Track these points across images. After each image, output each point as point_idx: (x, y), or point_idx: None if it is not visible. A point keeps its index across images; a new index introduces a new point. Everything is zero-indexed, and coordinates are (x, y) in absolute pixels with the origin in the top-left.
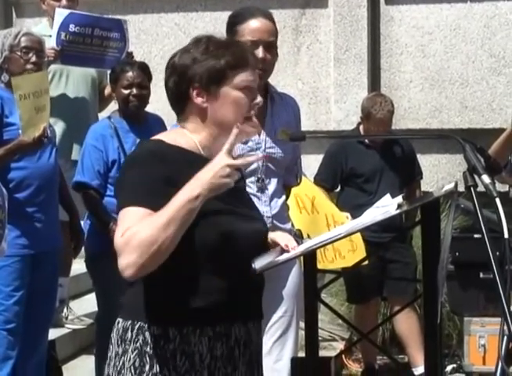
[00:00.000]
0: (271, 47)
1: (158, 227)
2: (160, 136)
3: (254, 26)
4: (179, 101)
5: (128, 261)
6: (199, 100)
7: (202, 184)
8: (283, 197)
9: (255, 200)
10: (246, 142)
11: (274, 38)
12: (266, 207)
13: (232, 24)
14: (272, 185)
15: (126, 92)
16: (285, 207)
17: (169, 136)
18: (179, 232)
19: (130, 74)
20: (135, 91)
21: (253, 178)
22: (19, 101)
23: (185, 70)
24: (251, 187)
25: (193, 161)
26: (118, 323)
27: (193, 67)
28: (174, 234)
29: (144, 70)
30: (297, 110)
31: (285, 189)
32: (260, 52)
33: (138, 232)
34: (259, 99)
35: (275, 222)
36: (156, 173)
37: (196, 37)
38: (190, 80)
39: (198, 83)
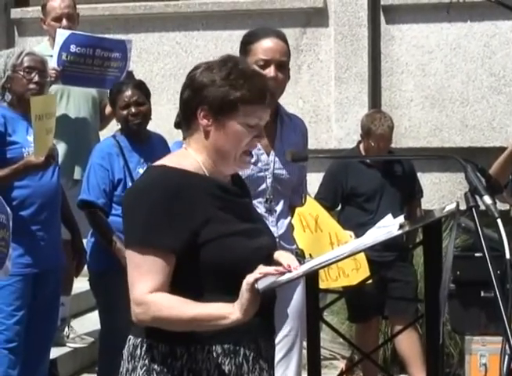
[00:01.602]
0: (283, 67)
1: (180, 318)
2: (164, 161)
3: (266, 45)
4: (187, 115)
5: (141, 318)
6: (204, 122)
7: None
8: (289, 218)
9: None
10: (255, 163)
11: (286, 58)
12: (273, 228)
13: (246, 43)
14: (279, 206)
15: (124, 112)
16: (290, 227)
17: (173, 160)
18: (193, 329)
19: (126, 93)
20: (133, 109)
21: (261, 199)
22: (35, 121)
23: (201, 88)
24: (259, 207)
25: (199, 184)
26: (129, 340)
27: (209, 89)
28: (188, 329)
29: (140, 87)
30: (305, 130)
31: (290, 209)
32: (271, 71)
33: (161, 308)
34: (262, 141)
35: (281, 242)
36: (163, 209)
37: (224, 58)
38: (202, 100)
39: (207, 106)
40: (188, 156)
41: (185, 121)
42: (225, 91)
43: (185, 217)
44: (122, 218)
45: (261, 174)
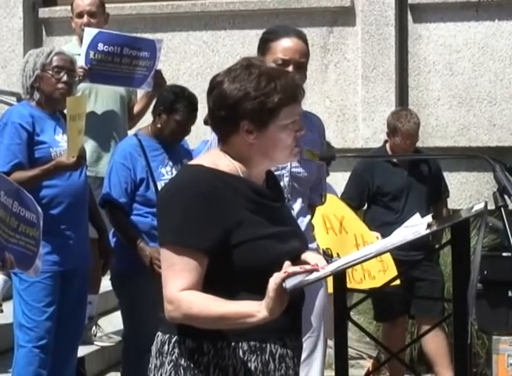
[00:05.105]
0: (301, 67)
1: (208, 315)
2: (200, 160)
3: (286, 45)
4: (225, 130)
5: (173, 315)
6: (249, 137)
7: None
8: (308, 217)
9: None
10: None
11: (305, 59)
12: None
13: (266, 41)
14: (297, 204)
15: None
16: (310, 226)
17: (209, 160)
18: (222, 327)
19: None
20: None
21: None
22: (70, 121)
23: (237, 104)
24: None
25: (234, 184)
26: (157, 336)
27: (245, 103)
28: (217, 327)
29: None
30: (322, 128)
31: (310, 208)
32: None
33: (190, 305)
34: (302, 132)
35: None
36: (198, 209)
37: (243, 64)
38: (241, 115)
39: (248, 120)
40: (224, 158)
41: (221, 133)
42: (262, 101)
43: (218, 217)
44: (156, 216)
45: (278, 172)
